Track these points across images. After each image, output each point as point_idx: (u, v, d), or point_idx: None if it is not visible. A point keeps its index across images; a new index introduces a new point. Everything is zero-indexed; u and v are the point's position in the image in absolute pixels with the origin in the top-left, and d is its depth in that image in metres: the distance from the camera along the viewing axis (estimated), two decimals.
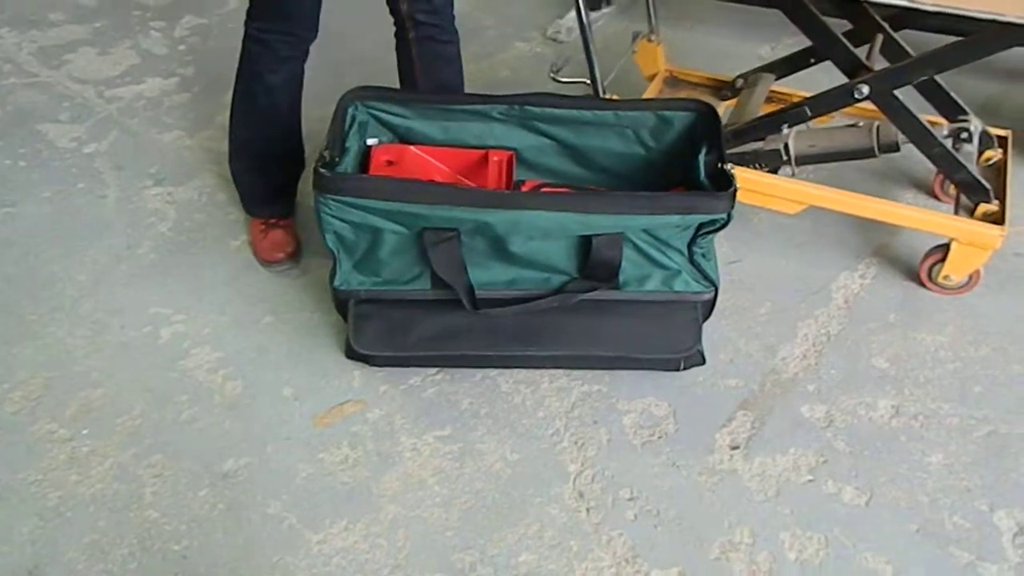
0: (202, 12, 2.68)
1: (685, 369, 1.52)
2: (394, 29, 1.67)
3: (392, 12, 1.64)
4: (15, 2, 2.75)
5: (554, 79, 1.92)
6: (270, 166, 1.74)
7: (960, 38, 1.48)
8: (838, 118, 1.79)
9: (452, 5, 1.66)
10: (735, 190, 1.35)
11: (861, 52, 1.65)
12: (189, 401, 1.51)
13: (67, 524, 1.33)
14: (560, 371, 1.53)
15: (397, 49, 1.69)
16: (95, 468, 1.40)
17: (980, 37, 1.41)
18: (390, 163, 1.53)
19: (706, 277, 1.44)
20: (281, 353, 1.60)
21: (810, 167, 1.77)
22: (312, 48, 1.62)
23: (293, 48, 1.57)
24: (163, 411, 1.50)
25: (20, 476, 1.39)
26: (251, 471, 1.40)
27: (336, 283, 1.46)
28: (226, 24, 2.60)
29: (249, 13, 1.56)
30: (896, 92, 1.56)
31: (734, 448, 1.42)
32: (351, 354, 1.53)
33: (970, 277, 1.65)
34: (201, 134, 2.17)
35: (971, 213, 1.63)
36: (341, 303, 1.49)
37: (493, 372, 1.54)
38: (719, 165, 1.41)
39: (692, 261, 1.43)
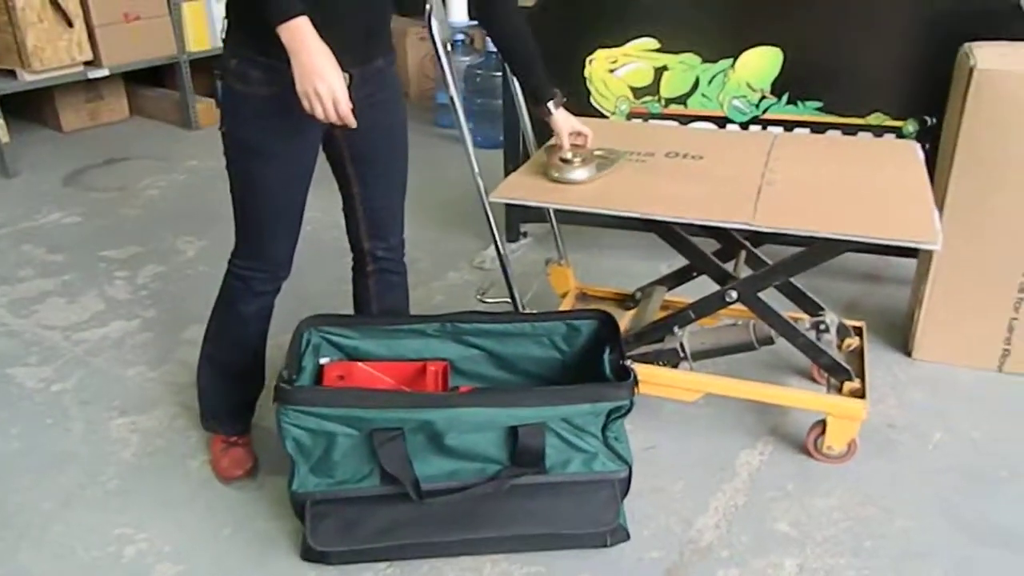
0: (162, 261, 2.98)
1: (612, 545, 1.69)
2: (352, 263, 1.92)
3: (353, 248, 1.89)
4: None
5: (480, 300, 2.24)
6: (234, 384, 1.89)
7: (803, 249, 1.85)
8: (724, 319, 2.12)
9: (404, 244, 1.93)
10: (635, 379, 1.62)
11: (731, 266, 2.02)
12: None
13: None
14: (501, 556, 1.68)
15: (354, 280, 1.94)
16: None
17: (813, 249, 1.78)
18: (341, 378, 1.76)
19: (620, 457, 1.66)
20: (240, 561, 1.70)
21: (708, 361, 2.06)
22: None
23: (268, 284, 1.77)
24: None
25: None
26: None
27: (294, 487, 1.63)
28: (184, 270, 2.90)
29: (234, 252, 1.76)
30: (760, 295, 1.90)
31: None
32: (307, 555, 1.66)
33: (849, 446, 1.91)
34: (162, 368, 2.37)
35: (839, 391, 1.92)
36: (298, 506, 1.64)
37: (439, 562, 1.67)
38: (620, 362, 1.69)
39: (607, 444, 1.65)
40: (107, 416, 2.16)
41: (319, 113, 1.43)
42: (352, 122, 1.46)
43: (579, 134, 1.94)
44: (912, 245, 1.58)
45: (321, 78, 1.40)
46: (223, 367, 1.89)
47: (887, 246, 1.61)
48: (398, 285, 1.96)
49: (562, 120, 1.91)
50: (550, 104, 1.88)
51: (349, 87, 1.44)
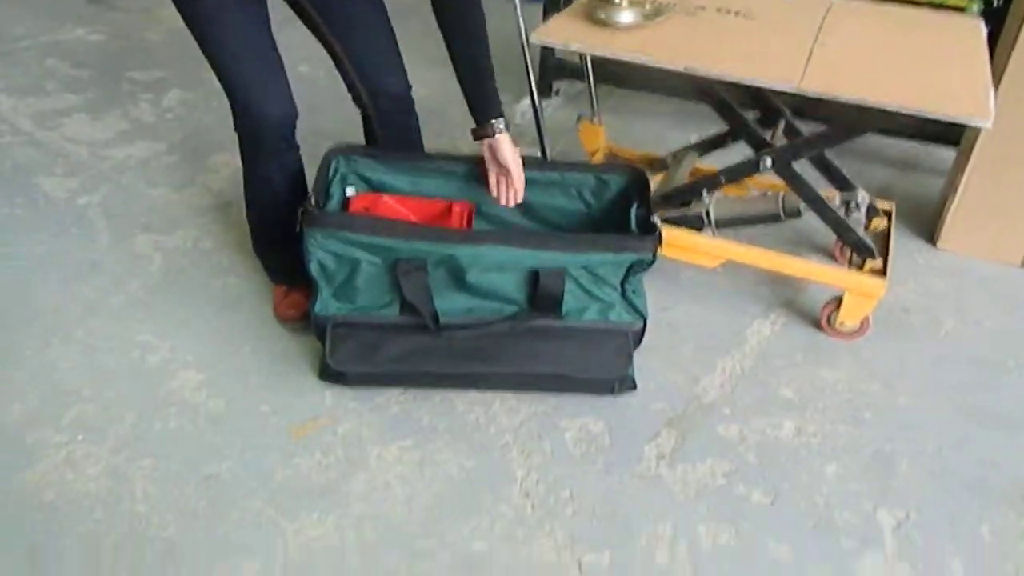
0: (188, 88, 2.94)
1: (619, 393, 1.74)
2: (360, 113, 1.85)
3: (355, 100, 1.81)
4: (12, 73, 2.97)
5: None
6: (282, 244, 1.75)
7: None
8: (752, 191, 2.10)
9: (410, 91, 1.81)
10: (659, 234, 1.62)
11: (768, 135, 1.97)
12: (175, 415, 1.67)
13: (63, 517, 1.46)
14: (510, 394, 1.74)
15: (364, 127, 1.88)
16: (90, 469, 1.55)
17: (851, 120, 1.73)
18: (366, 209, 1.76)
19: (636, 310, 1.69)
20: (260, 376, 1.77)
21: (730, 232, 2.05)
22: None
23: (273, 143, 1.67)
24: (151, 422, 1.65)
25: (19, 476, 1.53)
26: (232, 473, 1.56)
27: (316, 309, 1.66)
28: (210, 100, 2.86)
29: (232, 115, 1.66)
30: (795, 166, 1.87)
31: (660, 458, 1.63)
32: (325, 374, 1.72)
33: (862, 324, 1.93)
34: (186, 191, 2.38)
35: (860, 269, 1.92)
36: (320, 327, 1.69)
37: (451, 394, 1.74)
38: (647, 217, 1.68)
39: (624, 296, 1.67)
40: (132, 231, 2.19)
41: None
42: None
43: (508, 172, 1.71)
44: (964, 121, 1.53)
45: None
46: (267, 232, 1.84)
47: (931, 130, 1.56)
48: (410, 138, 1.88)
49: (507, 150, 1.68)
50: (497, 123, 1.65)
51: None
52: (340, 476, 1.56)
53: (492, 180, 1.75)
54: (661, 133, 2.75)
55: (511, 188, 1.74)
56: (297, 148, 1.75)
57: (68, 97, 2.83)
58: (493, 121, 1.65)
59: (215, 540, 1.44)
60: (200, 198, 2.34)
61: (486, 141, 1.68)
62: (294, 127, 1.70)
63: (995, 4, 2.29)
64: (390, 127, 1.86)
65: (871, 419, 1.75)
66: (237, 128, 1.69)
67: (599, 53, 1.74)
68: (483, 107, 1.65)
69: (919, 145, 2.70)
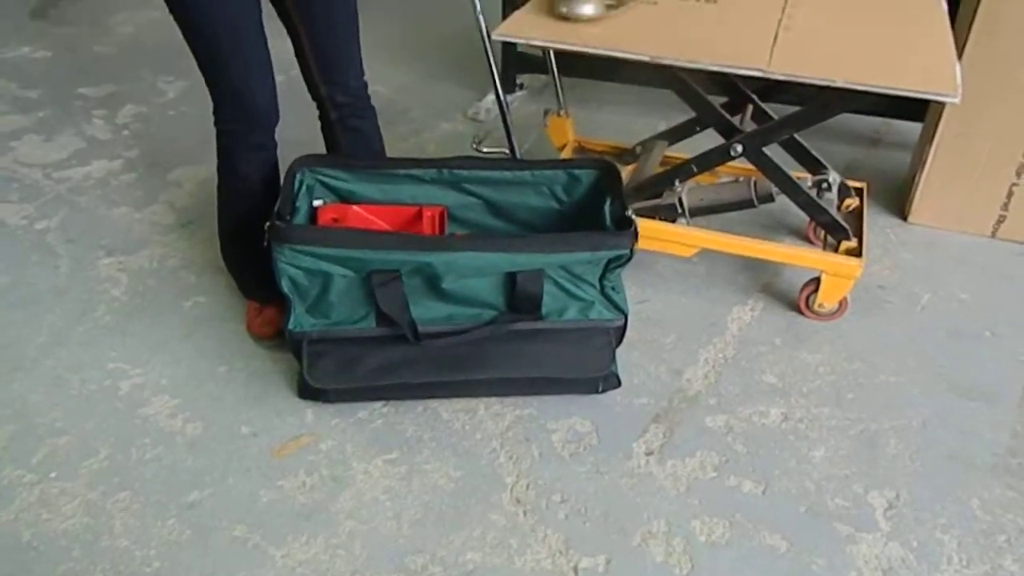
0: (142, 101, 2.86)
1: (604, 391, 1.72)
2: (317, 113, 1.84)
3: (313, 98, 1.81)
4: None
5: (476, 150, 2.18)
6: (254, 253, 1.67)
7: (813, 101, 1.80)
8: (724, 177, 2.09)
9: (366, 86, 1.83)
10: (635, 229, 1.60)
11: (736, 120, 1.96)
12: (152, 443, 1.63)
13: (42, 558, 1.41)
14: (494, 399, 1.72)
15: (322, 129, 1.87)
16: (65, 506, 1.50)
17: (822, 100, 1.72)
18: (335, 220, 1.73)
19: (616, 307, 1.67)
20: (237, 397, 1.73)
21: (703, 220, 2.04)
22: None
23: (259, 135, 1.69)
24: (127, 453, 1.60)
25: None
26: (215, 500, 1.52)
27: (290, 326, 1.62)
28: (166, 112, 2.78)
29: (214, 111, 1.67)
30: (765, 150, 1.86)
31: (649, 454, 1.62)
32: (304, 392, 1.68)
33: (840, 304, 1.93)
34: (148, 209, 2.31)
35: (836, 250, 1.92)
36: (295, 345, 1.64)
37: (434, 403, 1.71)
38: (622, 212, 1.66)
39: (603, 293, 1.65)
40: (94, 255, 2.13)
41: None
42: None
43: None
44: (932, 98, 1.52)
45: None
46: (242, 237, 1.79)
47: (895, 106, 1.56)
48: (366, 131, 1.87)
49: None
50: None
51: None
52: (326, 495, 1.53)
53: None
54: (628, 121, 2.73)
55: None
56: (275, 148, 1.74)
57: (17, 119, 2.75)
58: None
59: (202, 571, 1.40)
60: (163, 216, 2.28)
61: None
62: (275, 125, 1.70)
63: None
64: (347, 122, 1.84)
65: (855, 400, 1.75)
66: (220, 122, 1.68)
67: (564, 47, 1.71)
68: None
69: (883, 121, 2.71)
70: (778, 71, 1.57)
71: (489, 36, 1.80)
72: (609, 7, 1.77)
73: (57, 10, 3.59)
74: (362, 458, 1.60)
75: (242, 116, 1.66)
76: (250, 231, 1.71)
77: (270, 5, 1.67)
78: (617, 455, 1.62)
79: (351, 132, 1.86)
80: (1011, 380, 1.81)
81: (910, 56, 1.65)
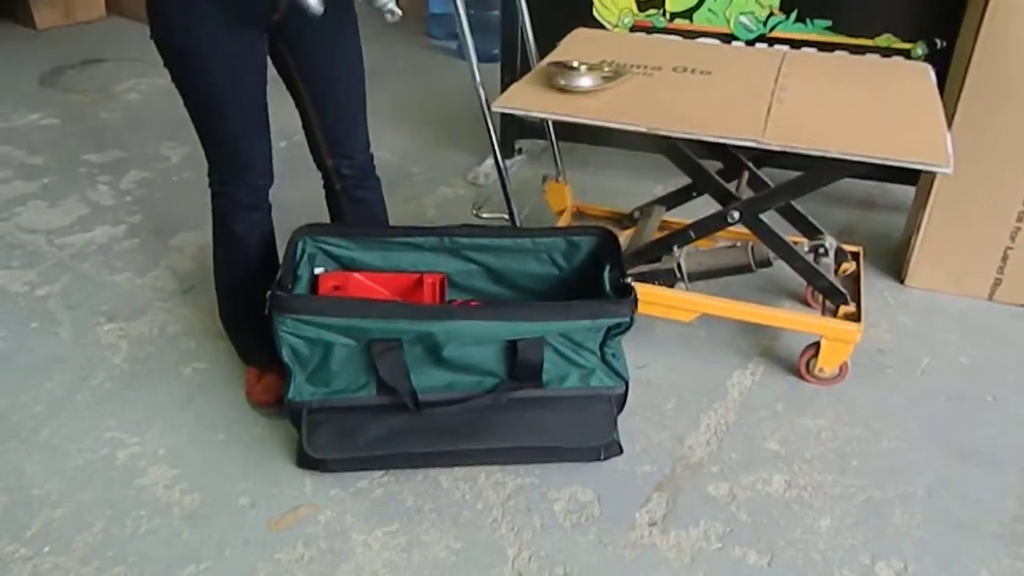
0: (146, 167, 2.90)
1: (606, 459, 1.71)
2: (322, 182, 1.87)
3: (319, 167, 1.83)
4: None
5: (476, 215, 2.21)
6: (253, 315, 1.66)
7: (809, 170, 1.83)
8: (721, 241, 2.11)
9: (372, 158, 1.86)
10: (635, 297, 1.61)
11: (732, 187, 1.99)
12: (148, 515, 1.60)
13: None
14: (495, 467, 1.70)
15: (327, 198, 1.89)
16: None
17: (818, 170, 1.75)
18: (336, 288, 1.74)
19: (617, 373, 1.67)
20: (236, 466, 1.71)
21: (702, 284, 2.05)
22: None
23: (251, 196, 1.71)
24: (123, 526, 1.58)
25: None
26: (212, 575, 1.49)
27: (290, 395, 1.62)
28: (169, 177, 2.82)
29: (208, 172, 1.70)
30: (762, 216, 1.88)
31: (652, 525, 1.60)
32: (303, 462, 1.66)
33: (840, 369, 1.93)
34: (150, 274, 2.32)
35: (834, 314, 1.93)
36: (295, 414, 1.64)
37: (434, 472, 1.69)
38: (621, 279, 1.67)
39: (604, 360, 1.66)
40: (95, 322, 2.13)
41: None
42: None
43: None
44: (925, 168, 1.55)
45: None
46: (238, 300, 1.80)
47: (888, 171, 1.59)
48: (371, 201, 1.90)
49: None
50: None
51: None
52: (325, 568, 1.50)
53: None
54: (626, 184, 2.76)
55: None
56: (270, 209, 1.76)
57: (23, 185, 2.78)
58: None
59: None
60: (164, 281, 2.30)
61: None
62: (270, 187, 1.73)
63: (938, 46, 2.35)
64: (352, 193, 1.86)
65: (858, 466, 1.74)
66: (215, 183, 1.70)
67: (562, 119, 1.75)
68: None
69: (877, 184, 2.75)
70: (773, 142, 1.60)
71: (489, 107, 1.84)
72: (606, 79, 1.81)
73: (66, 77, 3.67)
74: (361, 530, 1.58)
75: (235, 179, 1.69)
76: (247, 293, 1.73)
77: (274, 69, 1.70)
78: (620, 525, 1.59)
79: (356, 203, 1.88)
80: (1015, 445, 1.80)
81: (902, 126, 1.68)
